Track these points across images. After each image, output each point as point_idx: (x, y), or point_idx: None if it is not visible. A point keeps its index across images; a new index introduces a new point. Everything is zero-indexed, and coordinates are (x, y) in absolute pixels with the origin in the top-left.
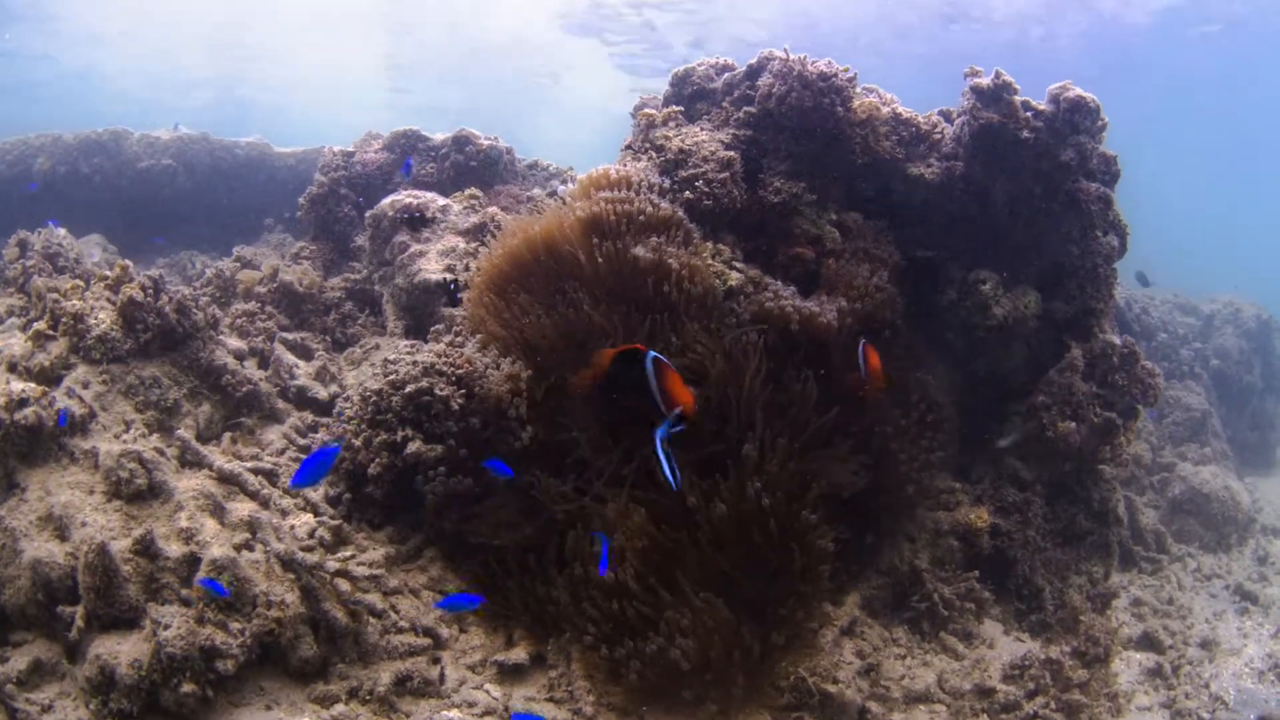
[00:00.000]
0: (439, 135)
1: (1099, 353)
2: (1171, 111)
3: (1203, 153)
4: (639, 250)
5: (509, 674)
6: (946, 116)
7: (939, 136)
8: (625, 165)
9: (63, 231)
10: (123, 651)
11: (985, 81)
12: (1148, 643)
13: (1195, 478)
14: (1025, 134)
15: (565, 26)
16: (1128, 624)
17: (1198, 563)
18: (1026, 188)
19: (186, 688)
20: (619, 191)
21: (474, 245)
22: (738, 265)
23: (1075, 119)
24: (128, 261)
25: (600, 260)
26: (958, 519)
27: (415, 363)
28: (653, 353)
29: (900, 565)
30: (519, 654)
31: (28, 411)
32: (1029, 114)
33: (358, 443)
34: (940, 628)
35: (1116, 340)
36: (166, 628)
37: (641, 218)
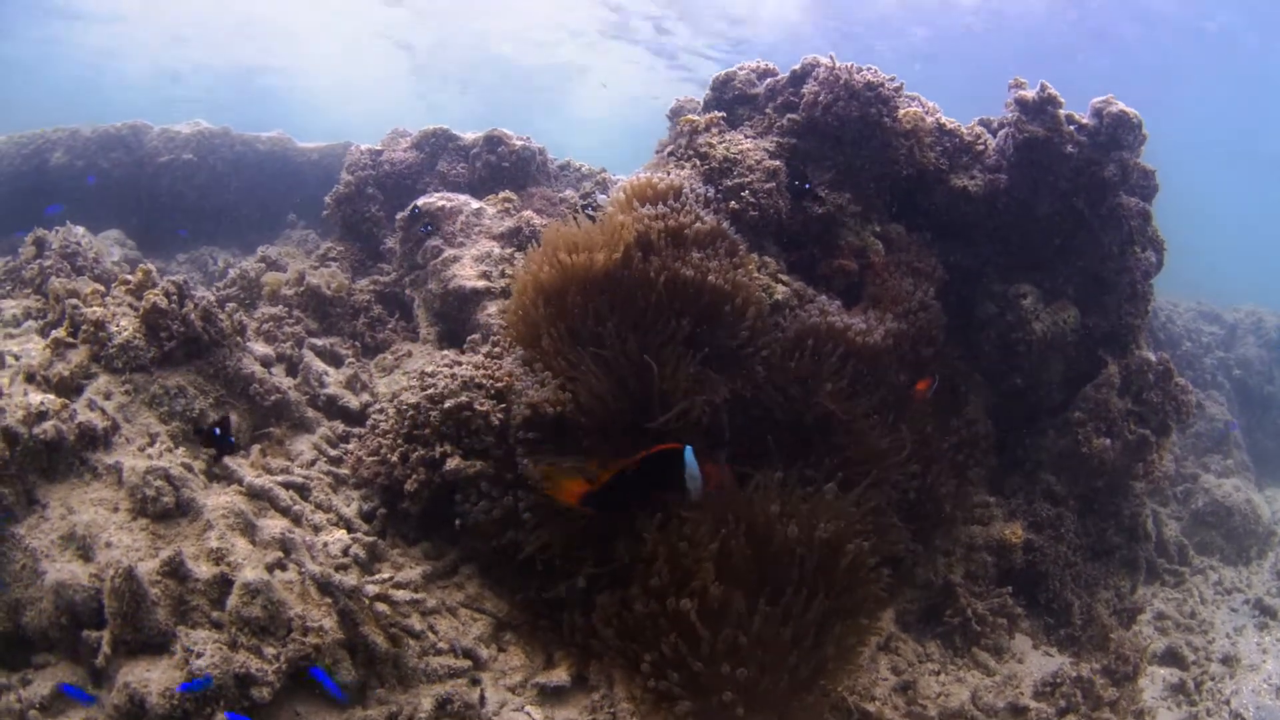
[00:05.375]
0: (470, 135)
1: (1135, 369)
2: (1199, 115)
3: (1230, 156)
4: (683, 269)
5: (550, 696)
6: (987, 126)
7: (982, 148)
8: (669, 173)
9: (81, 230)
10: (153, 680)
11: (1030, 94)
12: (1171, 658)
13: (1218, 490)
14: (1069, 148)
15: (591, 22)
16: (1151, 638)
17: (1219, 575)
18: (1069, 202)
19: (221, 718)
20: (667, 204)
21: (509, 250)
22: (783, 278)
23: (1118, 134)
24: (150, 265)
25: (659, 277)
26: (992, 534)
27: (454, 376)
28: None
29: (935, 580)
30: (560, 675)
31: (47, 425)
32: (1072, 128)
33: (394, 458)
34: (973, 643)
35: (1152, 357)
36: (199, 655)
37: (688, 232)
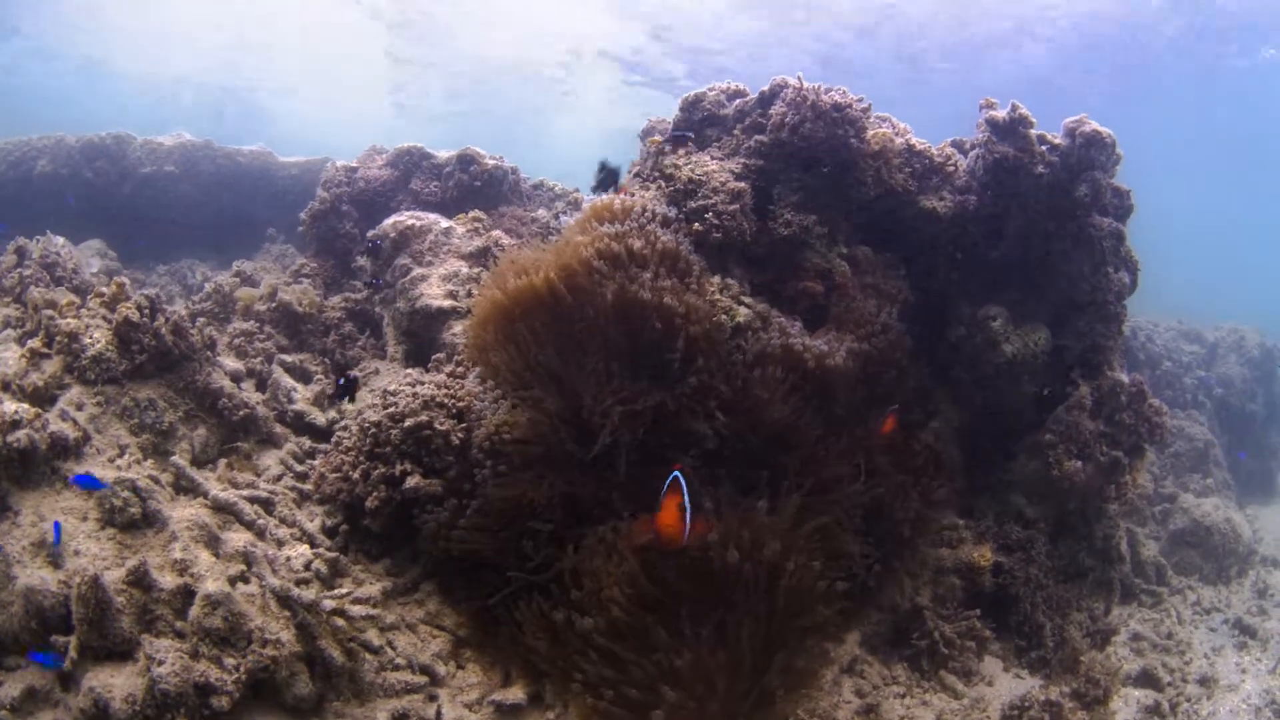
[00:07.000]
0: (443, 153)
1: (1107, 391)
2: (1182, 130)
3: (1210, 172)
4: (638, 291)
5: (506, 713)
6: (959, 147)
7: (952, 169)
8: (632, 194)
9: (61, 240)
10: (116, 685)
11: (1001, 114)
12: (1146, 680)
13: (1197, 510)
14: (1040, 169)
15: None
16: (1126, 660)
17: (1197, 595)
18: (1040, 223)
19: None
20: (623, 224)
21: (477, 270)
22: (746, 300)
23: (1090, 154)
24: (124, 278)
25: (609, 298)
26: (960, 557)
27: (416, 395)
28: (677, 472)
29: (901, 602)
30: (516, 693)
31: (20, 434)
32: (1044, 148)
33: (355, 475)
34: (940, 666)
35: (1125, 378)
36: (161, 663)
37: (642, 252)
